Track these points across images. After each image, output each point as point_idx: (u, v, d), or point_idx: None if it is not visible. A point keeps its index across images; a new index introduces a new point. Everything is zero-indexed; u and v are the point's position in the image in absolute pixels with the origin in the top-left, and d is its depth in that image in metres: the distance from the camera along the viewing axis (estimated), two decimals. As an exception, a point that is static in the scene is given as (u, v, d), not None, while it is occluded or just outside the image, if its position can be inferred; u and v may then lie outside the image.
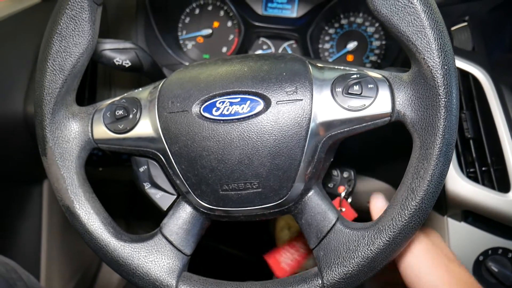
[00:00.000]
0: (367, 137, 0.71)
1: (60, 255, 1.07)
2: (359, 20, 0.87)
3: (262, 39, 0.90)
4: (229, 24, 0.91)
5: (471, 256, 0.67)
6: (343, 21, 0.87)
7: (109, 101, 0.56)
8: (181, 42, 0.93)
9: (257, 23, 0.86)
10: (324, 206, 0.52)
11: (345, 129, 0.49)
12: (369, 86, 0.49)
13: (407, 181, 0.47)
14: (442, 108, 0.45)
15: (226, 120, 0.49)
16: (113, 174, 1.01)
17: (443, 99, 0.45)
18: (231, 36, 0.91)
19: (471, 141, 0.63)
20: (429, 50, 0.45)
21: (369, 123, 0.49)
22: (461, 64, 0.65)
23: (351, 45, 0.87)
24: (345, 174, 0.67)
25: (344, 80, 0.49)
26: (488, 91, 0.63)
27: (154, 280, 0.52)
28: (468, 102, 0.65)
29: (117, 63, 0.63)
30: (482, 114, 0.63)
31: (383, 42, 0.86)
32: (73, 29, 0.51)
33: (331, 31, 0.88)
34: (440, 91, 0.45)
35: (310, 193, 0.52)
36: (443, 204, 0.66)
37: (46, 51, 0.51)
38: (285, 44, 0.89)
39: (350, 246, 0.49)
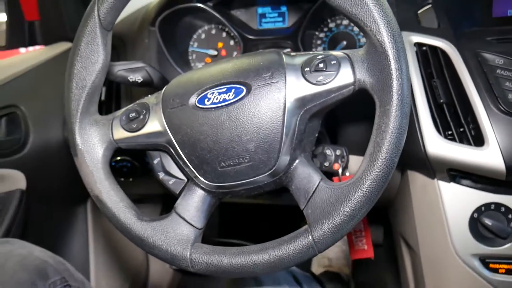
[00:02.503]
0: (355, 118, 0.79)
1: (107, 268, 1.18)
2: (345, 22, 0.96)
3: (260, 50, 1.00)
4: (232, 42, 1.03)
5: (465, 214, 0.72)
6: (331, 25, 0.97)
7: (124, 109, 0.67)
8: (192, 65, 1.05)
9: (253, 37, 0.98)
10: (309, 171, 0.59)
11: (317, 102, 0.58)
12: (332, 62, 0.57)
13: (373, 137, 0.54)
14: (393, 69, 0.52)
15: (216, 107, 0.59)
16: (145, 190, 1.13)
17: (393, 61, 0.53)
18: (235, 53, 1.03)
19: (444, 106, 0.70)
20: (374, 22, 0.53)
21: (337, 93, 0.57)
22: (429, 40, 0.72)
23: (341, 45, 0.96)
24: (338, 152, 0.74)
25: (311, 61, 0.58)
26: (455, 60, 0.70)
27: (171, 251, 0.61)
28: (438, 72, 0.72)
29: (131, 80, 0.75)
30: (452, 81, 0.70)
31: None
32: (90, 51, 0.64)
33: (322, 35, 0.98)
34: (389, 55, 0.52)
35: (296, 162, 0.60)
36: (429, 167, 0.72)
37: (70, 72, 0.64)
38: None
39: (332, 201, 0.56)
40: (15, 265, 0.69)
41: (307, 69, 0.58)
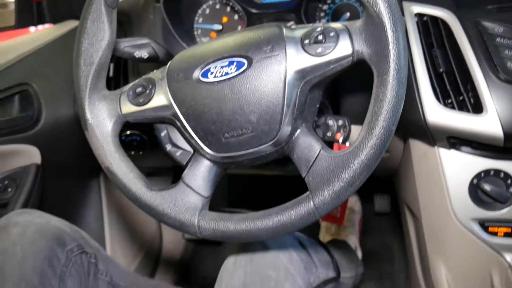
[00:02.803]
0: (357, 89, 0.80)
1: (121, 237, 1.23)
2: (348, -7, 0.96)
3: (262, 24, 1.01)
4: (236, 17, 1.04)
5: (465, 180, 0.74)
6: (334, -4, 0.97)
7: (131, 84, 0.70)
8: (197, 39, 1.07)
9: (257, 11, 0.99)
10: (310, 140, 0.61)
11: (317, 74, 0.59)
12: (331, 34, 0.58)
13: (371, 106, 0.56)
14: (390, 39, 0.54)
15: (219, 81, 0.61)
16: (155, 163, 1.16)
17: (389, 32, 0.54)
18: (239, 27, 1.04)
19: (444, 75, 0.71)
20: None
21: (336, 64, 0.58)
22: (430, 10, 0.73)
23: (344, 17, 0.96)
24: (340, 122, 0.76)
25: (311, 33, 0.60)
26: (455, 29, 0.70)
27: (180, 218, 0.64)
28: (439, 42, 0.72)
29: (137, 56, 0.77)
30: (452, 50, 0.71)
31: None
32: (96, 28, 0.66)
33: (325, 7, 0.98)
34: (386, 25, 0.54)
35: (298, 132, 0.62)
36: (429, 135, 0.74)
37: (78, 49, 0.67)
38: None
39: (332, 169, 0.58)
40: (34, 233, 0.74)
41: (306, 41, 0.59)
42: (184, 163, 0.69)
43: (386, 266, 1.50)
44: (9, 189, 0.92)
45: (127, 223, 1.29)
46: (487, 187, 0.72)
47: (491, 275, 0.80)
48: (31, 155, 0.94)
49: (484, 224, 0.77)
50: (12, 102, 0.93)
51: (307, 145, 0.61)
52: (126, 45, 0.77)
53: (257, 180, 1.69)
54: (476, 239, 0.78)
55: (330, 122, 0.77)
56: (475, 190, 0.74)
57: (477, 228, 0.77)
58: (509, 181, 0.72)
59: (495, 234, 0.77)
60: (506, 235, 0.76)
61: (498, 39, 0.67)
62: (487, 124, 0.67)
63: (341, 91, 0.86)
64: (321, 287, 0.74)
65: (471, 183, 0.74)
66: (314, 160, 0.60)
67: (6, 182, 0.92)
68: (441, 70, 0.71)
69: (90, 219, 1.13)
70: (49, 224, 0.77)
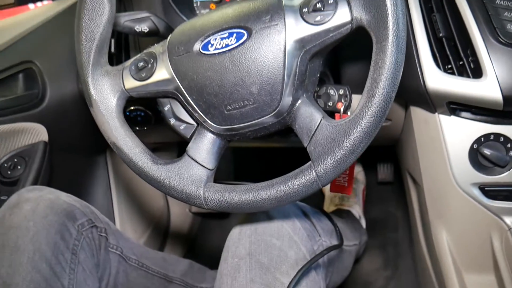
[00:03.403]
0: (358, 58, 0.80)
1: (130, 212, 1.26)
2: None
3: None
4: (235, -13, 1.03)
5: (465, 145, 0.75)
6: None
7: (133, 59, 0.70)
8: (197, 12, 1.06)
9: (257, -19, 0.97)
10: (311, 110, 0.62)
11: (317, 43, 0.59)
12: (329, 2, 0.58)
13: (370, 73, 0.56)
14: (388, 5, 0.53)
15: (219, 52, 0.62)
16: (160, 138, 1.18)
17: None
18: (239, -1, 1.03)
19: (444, 40, 0.71)
20: None
21: (335, 32, 0.58)
22: (429, -26, 0.72)
23: None
24: (341, 91, 0.76)
25: (309, 1, 0.59)
26: None
27: (186, 191, 0.66)
28: (439, 6, 0.72)
29: (137, 30, 0.77)
30: (452, 15, 0.70)
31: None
32: (95, 3, 0.66)
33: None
34: None
35: (299, 102, 0.63)
36: (429, 101, 0.74)
37: (78, 25, 0.67)
38: None
39: (333, 138, 0.58)
40: (46, 208, 0.76)
41: (305, 9, 0.59)
42: (188, 137, 0.70)
43: (390, 234, 1.53)
44: (19, 167, 0.94)
45: (134, 198, 1.32)
46: (487, 151, 0.73)
47: (491, 238, 0.82)
48: (38, 133, 0.95)
49: (484, 189, 0.78)
50: (16, 80, 0.93)
51: (308, 115, 0.62)
52: (126, 19, 0.77)
53: (261, 152, 1.70)
54: (476, 204, 0.79)
55: (331, 91, 0.78)
56: (475, 155, 0.75)
57: (477, 192, 0.78)
58: (508, 145, 0.73)
59: (495, 198, 0.78)
60: (506, 198, 0.77)
61: (497, 1, 0.67)
62: (487, 88, 0.67)
63: (341, 60, 0.86)
64: (325, 254, 0.76)
65: (471, 148, 0.75)
66: (316, 130, 0.61)
67: (15, 160, 0.93)
68: (440, 35, 0.71)
69: (98, 195, 1.15)
70: (60, 199, 0.79)
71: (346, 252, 1.06)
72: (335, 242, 0.87)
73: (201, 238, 1.65)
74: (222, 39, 0.62)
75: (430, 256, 1.02)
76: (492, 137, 0.73)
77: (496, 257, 0.81)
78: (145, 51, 0.70)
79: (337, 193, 1.25)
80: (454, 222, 0.87)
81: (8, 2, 1.06)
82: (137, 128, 1.08)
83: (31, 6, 1.12)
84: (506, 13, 0.66)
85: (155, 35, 0.80)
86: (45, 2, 1.11)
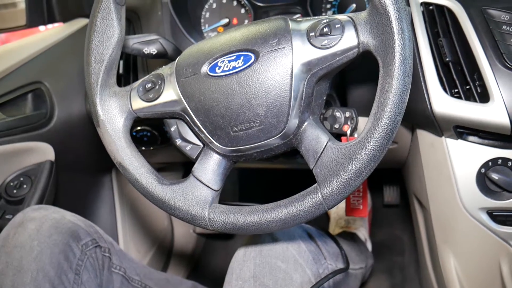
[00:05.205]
0: (364, 81, 0.81)
1: (134, 232, 1.26)
2: (354, -15, 0.96)
3: (268, 18, 1.02)
4: (243, 11, 1.05)
5: (473, 170, 0.75)
6: (340, -12, 0.98)
7: (141, 80, 0.71)
8: (205, 35, 1.08)
9: (263, 4, 0.99)
10: (317, 132, 0.62)
11: (323, 66, 0.60)
12: (336, 26, 0.59)
13: (377, 97, 0.56)
14: (395, 30, 0.54)
15: (227, 75, 0.62)
16: (165, 158, 1.18)
17: (394, 22, 0.54)
18: (246, 21, 1.05)
19: (450, 64, 0.71)
20: None
21: (342, 56, 0.59)
22: (436, -1, 0.73)
23: (350, 9, 0.97)
24: (347, 114, 0.77)
25: (316, 26, 0.60)
26: (461, 18, 0.70)
27: (190, 211, 0.66)
28: (445, 31, 0.73)
29: (146, 52, 0.79)
30: (458, 39, 0.71)
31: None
32: (105, 26, 0.67)
33: (331, -1, 0.99)
34: (391, 16, 0.54)
35: (305, 124, 0.63)
36: (436, 125, 0.74)
37: (88, 47, 0.68)
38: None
39: (339, 160, 0.58)
40: (50, 228, 0.76)
41: (312, 33, 0.60)
42: (194, 157, 0.70)
43: (396, 258, 1.51)
44: (25, 186, 0.94)
45: (139, 218, 1.32)
46: (494, 176, 0.72)
47: (500, 264, 0.81)
48: (45, 152, 0.96)
49: (492, 214, 0.77)
50: (25, 100, 0.95)
51: (315, 137, 0.62)
52: (135, 41, 0.78)
53: (267, 174, 1.70)
54: (484, 229, 0.78)
55: (337, 114, 0.78)
56: (483, 180, 0.75)
57: (485, 217, 0.77)
58: (516, 170, 0.73)
59: (503, 223, 0.77)
60: (515, 223, 0.76)
61: (504, 27, 0.67)
62: (494, 113, 0.67)
63: (348, 83, 0.87)
64: (330, 278, 0.75)
65: (479, 173, 0.74)
66: (322, 152, 0.61)
67: (22, 179, 0.94)
68: (447, 59, 0.71)
69: (103, 214, 1.15)
70: (64, 219, 0.79)
71: (352, 276, 1.04)
72: (340, 265, 0.86)
73: (205, 259, 1.63)
74: (229, 61, 0.63)
75: (437, 281, 1.00)
76: (500, 161, 0.73)
77: (505, 283, 0.80)
78: (153, 72, 0.71)
79: (354, 216, 1.22)
80: (462, 247, 0.85)
81: (20, 24, 1.09)
82: (143, 148, 1.09)
83: (41, 28, 1.15)
84: (512, 39, 0.66)
85: (163, 57, 0.81)
86: (55, 25, 1.13)
